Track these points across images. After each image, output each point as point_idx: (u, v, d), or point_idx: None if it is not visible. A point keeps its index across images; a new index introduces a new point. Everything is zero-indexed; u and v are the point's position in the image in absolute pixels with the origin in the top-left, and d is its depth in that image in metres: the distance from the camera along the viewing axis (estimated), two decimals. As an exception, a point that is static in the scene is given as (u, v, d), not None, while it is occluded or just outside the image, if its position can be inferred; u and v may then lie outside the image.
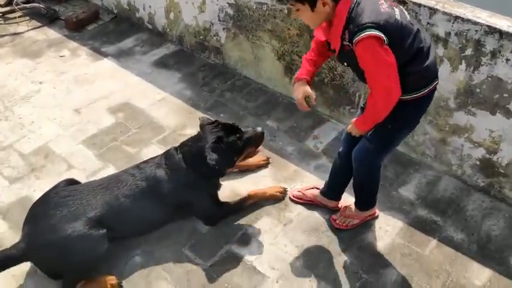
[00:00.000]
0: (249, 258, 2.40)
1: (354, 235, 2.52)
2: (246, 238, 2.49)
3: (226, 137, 2.36)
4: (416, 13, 2.49)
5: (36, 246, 2.14)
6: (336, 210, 2.60)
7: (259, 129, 2.51)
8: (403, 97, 1.96)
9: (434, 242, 2.51)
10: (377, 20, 1.79)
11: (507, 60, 2.32)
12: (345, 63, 2.11)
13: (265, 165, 2.90)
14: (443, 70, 2.55)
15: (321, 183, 2.74)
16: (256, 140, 2.50)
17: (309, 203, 2.66)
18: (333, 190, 2.58)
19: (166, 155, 2.46)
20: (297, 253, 2.43)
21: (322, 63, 2.26)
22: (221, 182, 2.55)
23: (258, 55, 3.42)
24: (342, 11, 1.83)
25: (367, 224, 2.57)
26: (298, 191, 2.68)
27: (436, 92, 2.58)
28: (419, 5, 2.47)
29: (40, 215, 2.22)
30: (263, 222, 2.58)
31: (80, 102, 3.38)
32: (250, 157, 2.59)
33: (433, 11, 2.44)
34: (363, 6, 1.82)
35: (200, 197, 2.46)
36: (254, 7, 3.22)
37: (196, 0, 3.55)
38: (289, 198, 2.68)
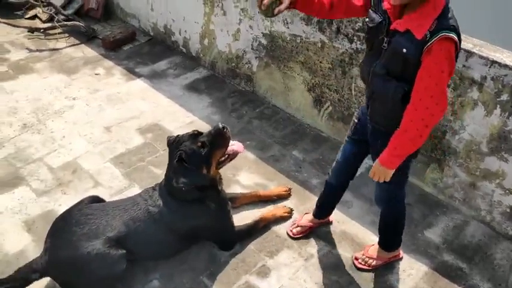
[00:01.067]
0: (266, 290, 2.37)
1: (376, 276, 2.46)
2: (266, 270, 2.46)
3: (188, 149, 2.20)
4: (452, 55, 2.47)
5: (55, 262, 2.16)
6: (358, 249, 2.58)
7: (217, 125, 2.27)
8: None
9: (460, 289, 2.43)
10: (459, 30, 1.71)
11: (544, 108, 2.27)
12: (385, 46, 1.80)
13: (287, 195, 2.87)
14: (477, 114, 2.51)
15: (344, 219, 2.72)
16: (220, 139, 2.28)
17: (310, 230, 2.64)
18: (328, 210, 2.63)
19: (160, 185, 2.40)
20: (317, 291, 2.39)
21: (325, 10, 1.94)
22: (230, 205, 2.50)
23: (288, 85, 3.44)
24: (438, 2, 1.69)
25: (390, 266, 2.50)
26: (295, 227, 2.64)
27: (468, 135, 2.57)
28: (456, 47, 2.45)
29: (61, 230, 2.24)
30: (284, 255, 2.54)
31: (111, 120, 3.45)
32: (230, 159, 2.38)
33: (469, 54, 2.41)
34: (450, 9, 1.72)
35: (204, 222, 2.37)
36: (288, 38, 3.25)
37: (231, 28, 3.61)
38: (291, 237, 2.63)
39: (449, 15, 1.71)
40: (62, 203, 2.73)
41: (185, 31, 4.08)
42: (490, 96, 2.43)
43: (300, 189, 2.94)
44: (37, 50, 4.27)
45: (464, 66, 2.46)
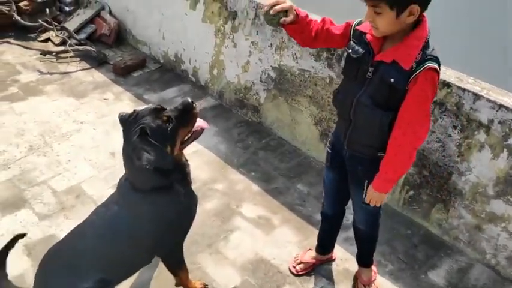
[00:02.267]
0: (266, 328, 2.32)
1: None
2: (266, 306, 2.42)
3: (152, 123, 1.84)
4: (460, 97, 2.49)
5: None
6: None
7: (187, 99, 1.96)
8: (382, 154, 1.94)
9: (463, 335, 2.37)
10: (439, 60, 1.78)
11: (552, 154, 2.27)
12: (370, 75, 1.84)
13: None
14: (483, 156, 2.51)
15: (347, 256, 2.70)
16: (188, 116, 1.96)
17: (313, 267, 2.63)
18: (329, 245, 2.63)
19: (118, 185, 2.10)
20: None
21: (311, 37, 1.98)
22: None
23: (295, 118, 3.46)
24: (421, 34, 1.75)
25: (393, 307, 2.46)
26: (298, 263, 2.61)
27: (474, 177, 2.57)
28: (464, 90, 2.47)
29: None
30: (285, 291, 2.51)
31: (116, 146, 3.37)
32: (194, 138, 2.04)
33: (477, 97, 2.43)
34: (430, 42, 1.78)
35: (175, 212, 2.06)
36: (297, 73, 3.29)
37: (241, 60, 3.66)
38: (293, 273, 2.60)
39: (432, 47, 1.79)
40: (64, 228, 2.71)
41: (195, 60, 4.14)
42: (497, 139, 2.43)
43: (304, 224, 2.92)
44: (48, 73, 4.33)
45: (471, 108, 2.47)
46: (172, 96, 4.12)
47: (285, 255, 2.70)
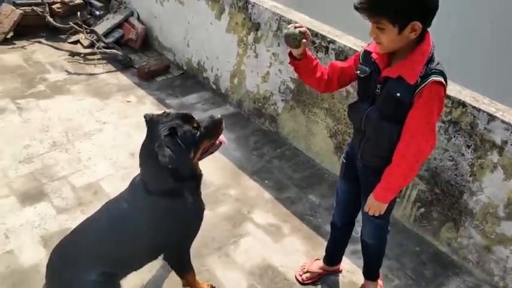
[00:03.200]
0: (269, 333, 2.36)
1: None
2: (270, 312, 2.46)
3: (181, 126, 1.92)
4: (475, 117, 2.51)
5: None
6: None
7: (217, 115, 2.08)
8: None
9: None
10: (445, 74, 1.83)
11: None
12: (378, 92, 1.90)
13: None
14: (496, 177, 2.52)
15: (354, 268, 2.71)
16: (215, 128, 2.06)
17: (320, 277, 2.65)
18: (337, 256, 2.65)
19: (130, 184, 2.17)
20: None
21: (314, 79, 2.09)
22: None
23: (311, 129, 3.51)
24: (426, 48, 1.81)
25: (397, 322, 2.47)
26: (306, 272, 2.64)
27: (486, 197, 2.57)
28: (479, 110, 2.49)
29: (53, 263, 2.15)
30: (290, 298, 2.54)
31: (136, 147, 3.46)
32: (210, 152, 2.12)
33: (491, 117, 2.45)
34: (435, 56, 1.83)
35: (181, 218, 2.10)
36: (315, 85, 3.35)
37: (261, 71, 3.74)
38: (299, 282, 2.63)
39: (437, 61, 1.84)
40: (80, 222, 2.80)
41: (217, 69, 4.24)
42: (510, 160, 2.44)
43: (313, 235, 2.95)
44: (75, 73, 4.49)
45: (485, 129, 2.49)
46: (193, 102, 4.22)
47: (292, 263, 2.73)
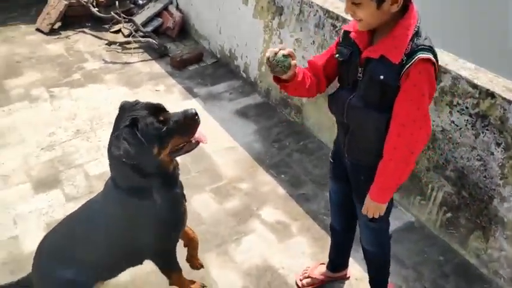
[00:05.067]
0: None
1: None
2: (260, 317, 2.29)
3: (144, 118, 1.74)
4: (505, 110, 2.13)
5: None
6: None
7: (191, 110, 1.83)
8: None
9: None
10: (434, 49, 1.58)
11: None
12: (360, 76, 1.67)
13: None
14: (530, 181, 2.13)
15: (364, 276, 2.45)
16: (187, 124, 1.84)
17: (321, 284, 2.42)
18: (340, 262, 2.42)
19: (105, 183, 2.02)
20: None
21: (304, 91, 1.81)
22: (184, 205, 2.05)
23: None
24: (409, 22, 1.57)
25: None
26: (306, 277, 2.42)
27: (515, 205, 2.20)
28: (510, 102, 2.11)
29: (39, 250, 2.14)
30: (285, 304, 2.35)
31: None
32: (186, 150, 1.91)
33: (525, 111, 2.07)
34: (422, 29, 1.59)
35: (145, 221, 1.93)
36: (337, 73, 3.08)
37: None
38: (299, 287, 2.42)
39: (424, 35, 1.57)
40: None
41: (246, 56, 4.07)
42: (547, 163, 2.05)
43: (324, 236, 2.71)
44: (111, 62, 4.55)
45: (517, 123, 2.11)
46: (221, 91, 4.10)
47: (295, 266, 2.53)
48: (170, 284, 2.28)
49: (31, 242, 2.62)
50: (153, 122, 1.76)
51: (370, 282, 2.28)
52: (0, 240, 2.65)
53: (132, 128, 1.72)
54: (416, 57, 1.52)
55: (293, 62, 1.68)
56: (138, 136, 1.72)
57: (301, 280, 2.44)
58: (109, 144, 1.82)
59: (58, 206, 2.88)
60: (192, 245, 2.32)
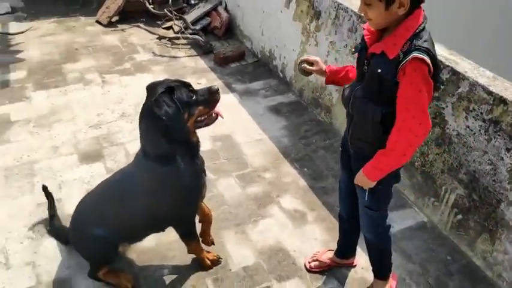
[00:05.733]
0: (262, 309, 2.38)
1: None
2: (270, 289, 2.48)
3: (178, 88, 2.00)
4: (516, 116, 2.23)
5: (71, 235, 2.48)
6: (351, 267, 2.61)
7: (214, 86, 2.11)
8: None
9: None
10: (433, 52, 1.72)
11: None
12: (366, 69, 1.84)
13: (207, 266, 2.57)
14: (536, 187, 2.21)
15: (368, 264, 2.57)
16: (210, 96, 2.10)
17: (328, 268, 2.57)
18: (347, 249, 2.55)
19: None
20: (309, 325, 2.32)
21: (345, 79, 2.15)
22: (204, 179, 2.29)
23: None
24: (412, 24, 1.72)
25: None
26: (314, 260, 2.58)
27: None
28: (521, 108, 2.21)
29: (80, 205, 2.45)
30: (292, 283, 2.51)
31: None
32: (206, 123, 2.15)
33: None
34: (426, 32, 1.74)
35: (170, 185, 2.16)
36: (365, 76, 3.23)
37: (321, 59, 3.69)
38: (307, 269, 2.58)
39: (425, 38, 1.71)
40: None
41: (284, 57, 4.29)
42: (552, 169, 2.13)
43: (337, 226, 2.84)
44: (160, 55, 4.89)
45: (527, 130, 2.20)
46: (258, 89, 4.33)
47: (306, 250, 2.70)
48: (188, 252, 2.52)
49: (72, 205, 2.88)
50: (185, 91, 2.04)
51: (372, 269, 2.42)
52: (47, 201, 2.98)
53: (169, 93, 1.97)
54: (411, 56, 1.67)
55: (314, 68, 2.17)
56: (175, 100, 1.97)
57: (309, 262, 2.61)
58: (143, 111, 2.07)
59: (99, 177, 3.17)
60: (206, 220, 2.55)
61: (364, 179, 1.95)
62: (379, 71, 1.75)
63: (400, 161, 1.86)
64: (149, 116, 2.02)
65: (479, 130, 2.43)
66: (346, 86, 2.04)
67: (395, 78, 1.72)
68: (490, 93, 2.34)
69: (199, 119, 2.12)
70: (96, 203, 2.36)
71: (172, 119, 1.96)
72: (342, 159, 2.23)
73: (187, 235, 2.44)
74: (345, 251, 2.57)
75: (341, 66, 3.46)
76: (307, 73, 2.23)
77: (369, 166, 1.92)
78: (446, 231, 2.79)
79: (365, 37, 1.84)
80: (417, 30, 1.70)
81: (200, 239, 2.54)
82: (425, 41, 1.70)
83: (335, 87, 3.60)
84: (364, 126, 1.89)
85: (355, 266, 2.62)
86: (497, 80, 2.43)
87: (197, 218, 2.48)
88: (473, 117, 2.46)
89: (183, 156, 2.13)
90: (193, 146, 2.19)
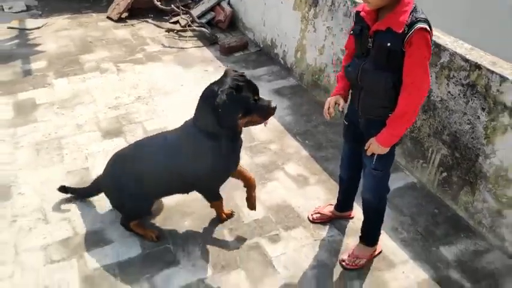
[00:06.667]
0: (271, 253, 2.71)
1: (373, 270, 2.63)
2: (276, 238, 2.81)
3: (246, 90, 2.28)
4: (489, 79, 2.59)
5: (105, 185, 2.81)
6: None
7: (274, 103, 2.39)
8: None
9: (452, 302, 2.48)
10: (429, 21, 2.02)
11: None
12: (371, 45, 2.11)
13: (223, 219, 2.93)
14: (507, 139, 2.56)
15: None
16: (267, 111, 2.38)
17: (329, 220, 2.91)
18: (346, 203, 2.88)
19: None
20: (313, 266, 2.65)
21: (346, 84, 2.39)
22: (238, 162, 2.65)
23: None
24: (408, 1, 2.01)
25: (390, 263, 2.66)
26: (316, 213, 2.92)
27: (498, 160, 2.63)
28: (492, 72, 2.57)
29: (117, 161, 2.76)
30: (297, 231, 2.86)
31: None
32: (253, 124, 2.45)
33: (503, 79, 2.51)
34: (418, 7, 2.03)
35: (211, 159, 2.45)
36: (359, 55, 3.59)
37: (318, 44, 4.07)
38: (310, 220, 2.92)
39: (420, 10, 2.03)
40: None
41: (285, 45, 4.65)
42: (520, 122, 2.48)
43: (337, 187, 3.19)
44: (169, 46, 5.24)
45: (498, 91, 2.55)
46: (261, 74, 4.69)
47: (309, 206, 3.03)
48: (211, 207, 2.86)
49: (97, 172, 3.27)
50: (250, 97, 2.33)
51: (361, 235, 2.67)
52: (76, 169, 3.32)
53: (235, 91, 2.25)
54: (416, 27, 1.97)
55: (341, 104, 2.39)
56: (236, 99, 2.26)
57: (312, 215, 2.95)
58: (207, 93, 2.37)
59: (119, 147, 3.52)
60: (249, 185, 2.82)
61: (379, 147, 2.23)
62: (389, 44, 2.04)
63: (412, 120, 2.18)
64: (209, 99, 2.29)
65: (459, 94, 2.79)
66: (347, 65, 2.33)
67: (403, 48, 2.02)
68: (466, 60, 2.70)
69: (251, 121, 2.41)
70: (137, 160, 2.62)
71: (226, 114, 2.27)
72: (347, 133, 2.54)
73: (212, 198, 2.78)
74: (343, 205, 2.91)
75: (336, 49, 3.82)
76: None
77: (384, 134, 2.19)
78: (434, 188, 3.14)
79: (364, 18, 2.14)
80: (414, 5, 2.02)
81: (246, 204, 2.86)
82: (421, 13, 2.01)
83: (332, 68, 3.96)
84: (378, 93, 2.17)
85: (352, 217, 2.96)
86: (473, 50, 2.79)
87: (242, 184, 2.83)
88: (453, 83, 2.81)
89: (227, 138, 2.44)
90: (237, 134, 2.51)
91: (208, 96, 2.33)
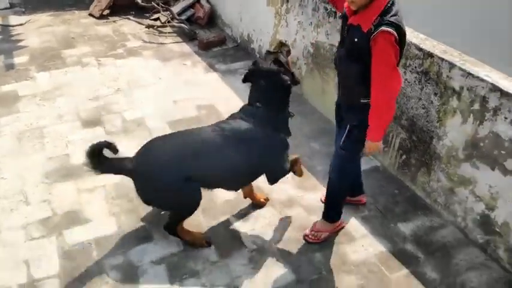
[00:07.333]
0: (240, 228, 2.90)
1: (335, 243, 2.83)
2: (247, 215, 3.00)
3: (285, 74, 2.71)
4: (440, 66, 2.80)
5: (139, 177, 2.60)
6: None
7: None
8: (365, 100, 2.34)
9: (405, 271, 2.68)
10: (399, 23, 2.18)
11: (505, 118, 2.49)
12: (345, 34, 2.35)
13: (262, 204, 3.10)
14: (456, 121, 2.78)
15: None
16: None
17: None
18: (355, 188, 3.01)
19: (242, 109, 2.79)
20: (278, 240, 2.84)
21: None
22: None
23: (324, 89, 3.95)
24: (382, 2, 2.18)
25: (350, 238, 2.86)
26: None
27: (449, 141, 2.84)
28: (443, 59, 2.78)
29: (153, 149, 2.64)
30: (267, 210, 3.05)
31: (180, 96, 4.30)
32: None
33: (452, 65, 2.73)
34: (395, 7, 2.20)
35: (274, 147, 2.72)
36: (327, 48, 3.80)
37: (290, 38, 4.27)
38: (322, 201, 3.00)
39: (393, 13, 2.19)
40: (122, 142, 3.55)
41: (260, 40, 4.84)
42: (466, 105, 2.70)
43: (306, 172, 3.38)
44: (149, 42, 5.40)
45: (448, 76, 2.77)
46: (238, 68, 4.88)
47: (280, 188, 3.20)
48: (244, 197, 3.06)
49: (77, 158, 3.42)
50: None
51: (324, 211, 2.83)
52: (57, 156, 3.47)
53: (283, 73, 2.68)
54: (379, 29, 2.16)
55: None
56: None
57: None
58: (273, 83, 2.70)
59: (100, 138, 3.60)
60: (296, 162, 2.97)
61: (373, 144, 2.40)
62: (356, 40, 2.25)
63: (389, 112, 2.34)
64: (280, 85, 2.68)
65: (415, 81, 3.00)
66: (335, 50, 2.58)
67: (369, 45, 2.20)
68: (420, 49, 2.92)
69: None
70: (204, 156, 2.55)
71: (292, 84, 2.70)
72: (337, 116, 2.73)
73: (283, 174, 2.86)
74: (352, 189, 2.98)
75: (307, 42, 4.00)
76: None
77: (371, 132, 2.37)
78: (395, 171, 3.35)
79: (346, 9, 2.35)
80: (385, 8, 2.18)
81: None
82: (392, 16, 2.17)
83: (304, 61, 4.16)
84: (350, 80, 2.40)
85: (364, 203, 3.10)
86: (427, 40, 3.00)
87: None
88: (410, 71, 3.03)
89: (282, 130, 2.78)
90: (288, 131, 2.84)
91: (275, 84, 2.70)
